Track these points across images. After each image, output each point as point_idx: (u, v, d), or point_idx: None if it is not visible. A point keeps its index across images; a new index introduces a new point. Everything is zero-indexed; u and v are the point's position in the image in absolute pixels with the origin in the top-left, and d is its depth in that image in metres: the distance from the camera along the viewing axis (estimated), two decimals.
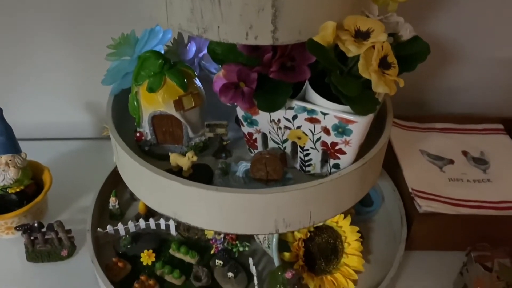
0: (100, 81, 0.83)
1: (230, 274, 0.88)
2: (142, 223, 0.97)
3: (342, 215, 0.91)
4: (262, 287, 0.87)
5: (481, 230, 0.94)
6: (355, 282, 0.89)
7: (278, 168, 0.74)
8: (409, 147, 1.10)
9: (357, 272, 0.90)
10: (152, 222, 0.97)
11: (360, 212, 1.01)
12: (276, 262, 0.85)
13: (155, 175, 0.70)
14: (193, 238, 0.96)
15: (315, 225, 0.83)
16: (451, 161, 1.08)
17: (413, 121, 1.18)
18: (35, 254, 0.95)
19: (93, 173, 1.05)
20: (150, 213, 0.99)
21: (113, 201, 1.00)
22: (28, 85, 1.18)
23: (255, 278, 0.87)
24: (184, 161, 0.75)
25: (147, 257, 0.91)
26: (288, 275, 0.79)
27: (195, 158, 0.75)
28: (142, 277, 0.88)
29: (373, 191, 1.06)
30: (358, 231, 0.91)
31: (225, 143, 0.81)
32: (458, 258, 0.92)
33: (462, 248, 0.91)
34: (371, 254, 0.95)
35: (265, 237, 0.88)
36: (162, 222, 0.97)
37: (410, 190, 0.99)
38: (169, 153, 0.77)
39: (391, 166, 1.06)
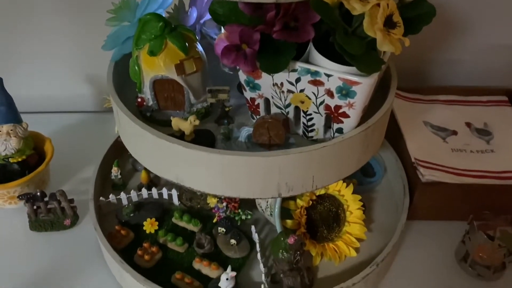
0: (100, 50, 0.82)
1: (233, 241, 0.88)
2: (144, 192, 0.97)
3: (345, 184, 0.91)
4: (265, 253, 0.88)
5: (483, 200, 0.94)
6: (357, 250, 0.90)
7: (280, 133, 0.74)
8: (412, 118, 1.09)
9: (359, 240, 0.90)
10: (154, 191, 0.97)
11: (362, 182, 1.01)
12: (279, 229, 0.85)
13: (157, 138, 0.70)
14: (195, 207, 0.97)
15: (317, 190, 0.83)
16: (455, 132, 1.07)
17: (416, 93, 1.17)
18: (38, 223, 0.95)
19: (95, 145, 1.05)
20: (152, 183, 0.99)
21: (115, 171, 1.00)
22: (27, 57, 1.17)
23: (257, 244, 0.87)
24: (186, 125, 0.75)
25: (150, 226, 0.92)
26: (291, 240, 0.79)
27: (197, 122, 0.74)
28: (145, 244, 0.88)
29: (375, 162, 1.06)
30: (360, 200, 0.91)
31: (227, 109, 0.81)
32: (460, 228, 0.92)
33: (464, 218, 0.92)
34: (373, 223, 0.95)
35: (267, 205, 0.88)
36: (164, 191, 0.97)
37: (413, 160, 0.98)
38: (171, 117, 0.77)
39: (394, 137, 1.06)
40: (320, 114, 0.74)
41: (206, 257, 0.86)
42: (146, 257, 0.86)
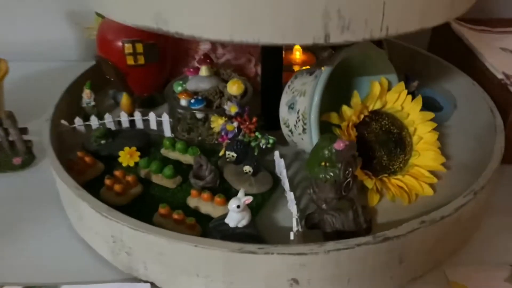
0: None
1: (247, 169, 0.59)
2: (124, 117, 0.70)
3: (410, 97, 0.63)
4: (295, 190, 0.58)
5: None
6: (432, 187, 0.60)
7: None
8: (486, 45, 0.82)
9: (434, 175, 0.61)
10: (138, 116, 0.70)
11: None
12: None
13: None
14: (195, 141, 0.69)
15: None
16: None
17: (482, 25, 0.91)
18: None
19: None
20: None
21: (87, 95, 0.73)
22: None
23: (284, 172, 0.58)
24: None
25: (128, 156, 0.63)
26: (339, 145, 0.50)
27: None
28: (117, 172, 0.60)
29: (442, 97, 0.78)
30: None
31: None
32: None
33: None
34: (449, 161, 0.66)
35: (298, 117, 0.59)
36: (152, 117, 0.70)
37: (501, 76, 0.71)
38: None
39: (467, 65, 0.79)
40: None
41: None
42: (117, 187, 0.57)
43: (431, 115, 0.63)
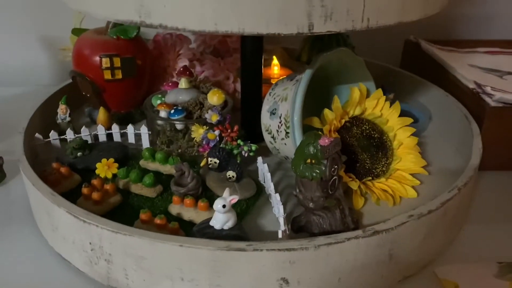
0: None
1: (231, 174, 0.58)
2: (101, 130, 0.68)
3: (388, 103, 0.64)
4: (280, 194, 0.57)
5: None
6: (416, 190, 0.60)
7: None
8: (455, 61, 0.86)
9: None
10: (116, 129, 0.68)
11: None
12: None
13: None
14: (174, 153, 0.67)
15: (350, 108, 0.57)
16: (511, 73, 0.83)
17: (450, 45, 0.95)
18: None
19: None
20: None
21: (62, 111, 0.71)
22: None
23: (268, 175, 0.57)
24: None
25: (105, 168, 0.61)
26: (324, 141, 0.49)
27: None
28: (94, 181, 0.57)
29: (417, 110, 0.80)
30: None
31: None
32: None
33: None
34: (429, 167, 0.66)
35: (280, 121, 0.59)
36: (130, 130, 0.68)
37: (472, 86, 0.73)
38: None
39: (437, 79, 0.82)
40: None
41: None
42: (95, 195, 0.54)
43: (409, 120, 0.64)
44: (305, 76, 0.57)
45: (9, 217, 0.61)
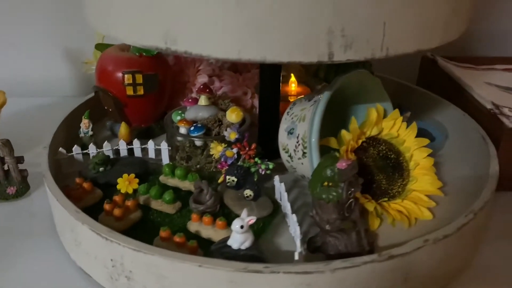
0: None
1: (248, 193, 0.59)
2: (122, 145, 0.70)
3: (405, 124, 0.65)
4: (297, 213, 0.58)
5: None
6: (431, 212, 0.61)
7: None
8: (472, 80, 0.86)
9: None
10: (137, 144, 0.70)
11: None
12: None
13: None
14: (193, 168, 0.69)
15: (368, 128, 0.57)
16: None
17: (467, 62, 0.95)
18: None
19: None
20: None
21: (85, 125, 0.73)
22: None
23: (285, 195, 0.58)
24: None
25: (126, 183, 0.63)
26: (341, 164, 0.50)
27: None
28: (116, 197, 0.59)
29: (434, 128, 0.80)
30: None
31: None
32: None
33: None
34: (445, 187, 0.67)
35: (298, 141, 0.60)
36: (151, 145, 0.70)
37: (490, 106, 0.73)
38: None
39: (454, 97, 0.82)
40: None
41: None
42: (117, 212, 0.56)
43: (426, 141, 0.65)
44: (324, 98, 0.58)
45: (32, 229, 0.63)
